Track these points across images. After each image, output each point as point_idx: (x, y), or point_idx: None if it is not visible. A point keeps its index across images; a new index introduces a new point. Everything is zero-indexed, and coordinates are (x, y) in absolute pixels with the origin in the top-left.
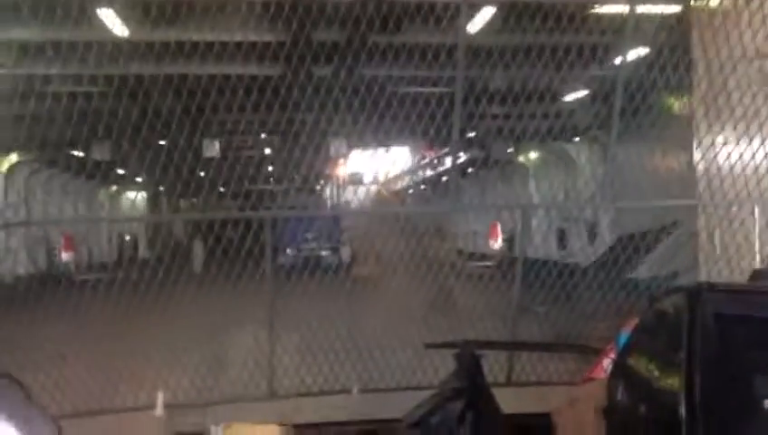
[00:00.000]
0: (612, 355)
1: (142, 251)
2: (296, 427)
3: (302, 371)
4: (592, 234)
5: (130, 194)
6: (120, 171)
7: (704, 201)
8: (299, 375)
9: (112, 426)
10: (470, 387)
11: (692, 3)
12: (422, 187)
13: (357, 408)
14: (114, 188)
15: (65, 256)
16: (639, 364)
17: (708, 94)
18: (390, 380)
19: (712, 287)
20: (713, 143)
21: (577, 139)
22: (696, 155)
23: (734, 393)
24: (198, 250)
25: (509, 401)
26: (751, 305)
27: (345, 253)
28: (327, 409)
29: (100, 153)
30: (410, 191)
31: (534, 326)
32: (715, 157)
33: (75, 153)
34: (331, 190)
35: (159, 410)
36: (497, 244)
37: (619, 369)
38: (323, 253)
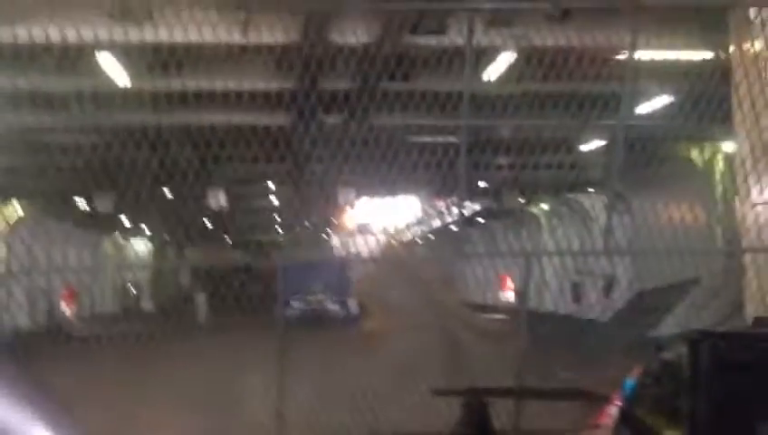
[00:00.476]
0: (618, 402)
1: (145, 302)
2: None
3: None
4: (609, 287)
5: (135, 243)
6: (125, 220)
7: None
8: None
9: None
10: (478, 434)
11: (731, 50)
12: (430, 236)
13: None
14: (119, 237)
15: (66, 309)
16: (644, 412)
17: (755, 146)
18: None
19: (713, 335)
20: (761, 192)
21: (591, 189)
22: (744, 206)
23: None
24: (201, 302)
25: None
26: (751, 352)
27: (353, 305)
28: None
29: (103, 204)
30: (419, 241)
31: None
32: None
33: (79, 204)
34: (339, 240)
35: None
36: (508, 296)
37: (625, 416)
38: (331, 306)
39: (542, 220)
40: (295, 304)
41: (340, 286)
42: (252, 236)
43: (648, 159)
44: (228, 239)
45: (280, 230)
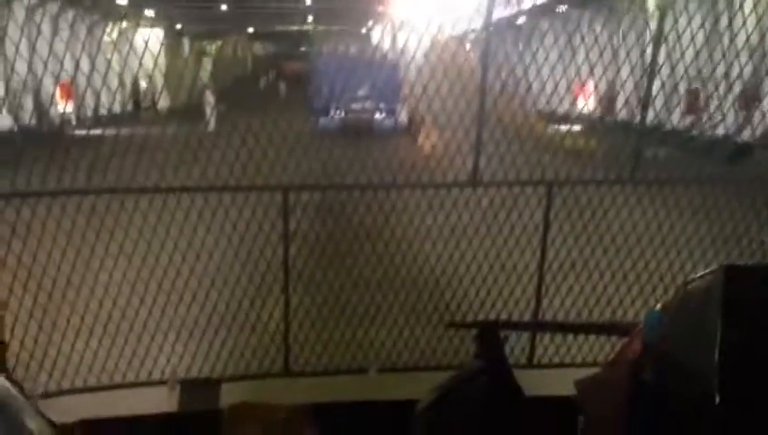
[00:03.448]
0: (641, 336)
1: (162, 101)
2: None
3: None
4: (750, 98)
5: (144, 33)
6: (122, 1)
7: None
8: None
9: (121, 401)
10: (491, 368)
11: None
12: (488, 30)
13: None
14: (123, 24)
15: (62, 106)
16: (670, 347)
17: None
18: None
19: (749, 269)
20: None
21: None
22: None
23: None
24: (210, 105)
25: (531, 384)
26: None
27: (402, 115)
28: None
29: None
30: (471, 36)
31: None
32: None
33: None
34: (383, 35)
35: (173, 387)
36: (587, 104)
37: (650, 350)
38: (378, 115)
39: (651, 7)
40: (335, 113)
41: (388, 92)
42: (277, 26)
43: None
44: (250, 30)
45: (311, 19)
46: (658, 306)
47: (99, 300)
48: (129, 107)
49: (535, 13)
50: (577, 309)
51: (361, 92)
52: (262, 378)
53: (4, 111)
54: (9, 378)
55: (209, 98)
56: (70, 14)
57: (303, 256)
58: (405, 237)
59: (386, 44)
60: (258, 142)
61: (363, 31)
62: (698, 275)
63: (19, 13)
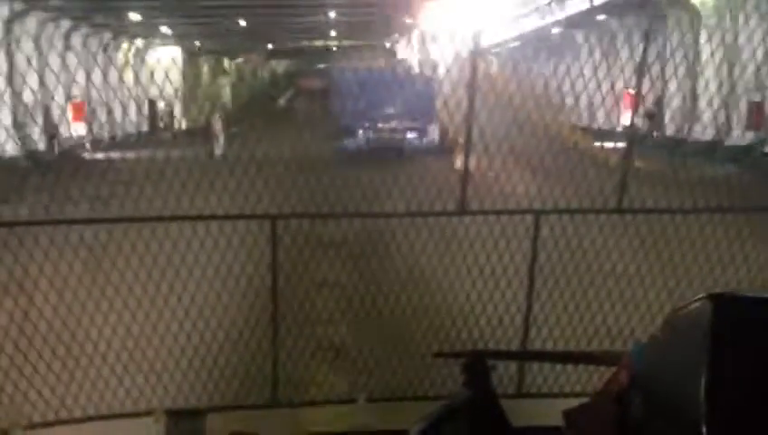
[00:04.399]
0: (629, 366)
1: (179, 121)
2: None
3: None
4: None
5: (161, 51)
6: (136, 17)
7: None
8: None
9: (106, 432)
10: (479, 398)
11: None
12: (513, 44)
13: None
14: (140, 42)
15: (75, 128)
16: (657, 376)
17: None
18: None
19: (737, 297)
20: None
21: None
22: None
23: (759, 409)
24: (217, 129)
25: (519, 414)
26: None
27: (433, 133)
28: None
29: None
30: (496, 51)
31: None
32: None
33: None
34: (411, 50)
35: (159, 418)
36: (632, 118)
37: (637, 381)
38: (409, 134)
39: (706, 17)
40: (363, 133)
41: (419, 110)
42: (299, 41)
43: None
44: (270, 46)
45: (333, 34)
46: (646, 336)
47: (85, 330)
48: (145, 128)
49: (571, 23)
50: (565, 338)
51: (389, 111)
52: (249, 408)
53: (11, 134)
54: None
55: (217, 123)
56: (82, 31)
57: (293, 285)
58: (394, 266)
59: (414, 59)
60: (246, 173)
61: (387, 45)
62: (686, 303)
63: (30, 28)
